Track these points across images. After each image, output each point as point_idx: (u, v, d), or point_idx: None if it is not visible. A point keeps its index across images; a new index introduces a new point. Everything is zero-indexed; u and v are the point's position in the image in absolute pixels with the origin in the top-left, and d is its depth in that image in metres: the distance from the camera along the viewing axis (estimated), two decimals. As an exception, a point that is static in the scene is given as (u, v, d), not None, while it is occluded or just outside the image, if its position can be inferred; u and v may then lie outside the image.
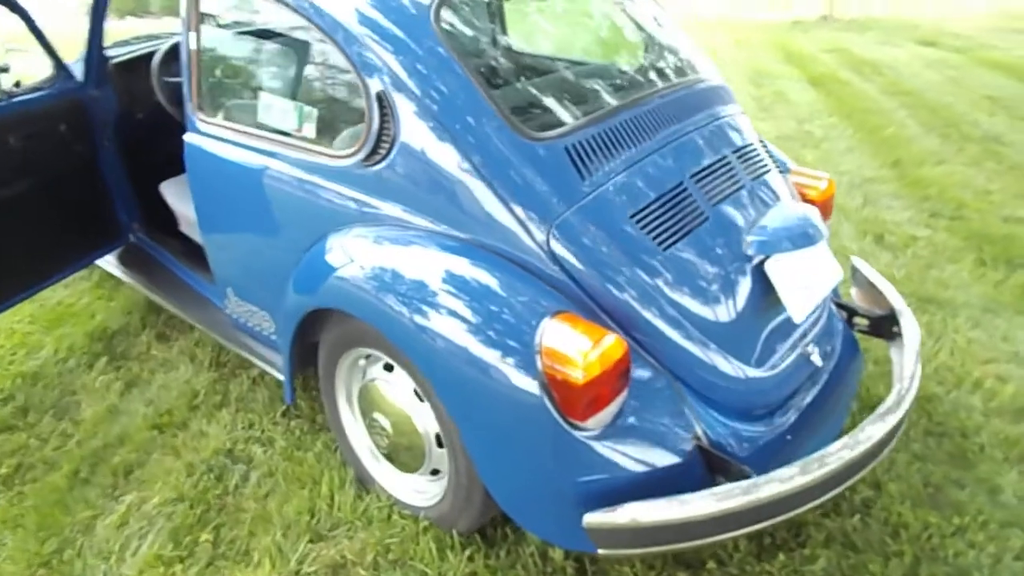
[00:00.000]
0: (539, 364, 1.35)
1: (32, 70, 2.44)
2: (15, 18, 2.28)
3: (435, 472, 1.74)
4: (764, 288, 1.65)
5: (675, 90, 1.87)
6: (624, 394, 1.41)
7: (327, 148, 1.72)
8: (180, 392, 2.37)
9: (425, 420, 1.66)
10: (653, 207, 1.58)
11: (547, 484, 1.44)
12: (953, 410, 2.13)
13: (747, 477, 1.41)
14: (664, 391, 1.51)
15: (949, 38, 8.26)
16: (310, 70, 1.86)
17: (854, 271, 2.12)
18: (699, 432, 1.50)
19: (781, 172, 1.96)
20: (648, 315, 1.51)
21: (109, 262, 2.77)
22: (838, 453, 1.39)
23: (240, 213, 1.99)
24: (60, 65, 2.42)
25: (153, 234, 2.71)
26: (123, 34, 3.02)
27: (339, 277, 1.63)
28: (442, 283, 1.49)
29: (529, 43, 2.45)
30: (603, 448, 1.40)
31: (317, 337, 1.85)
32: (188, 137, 2.03)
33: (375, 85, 1.58)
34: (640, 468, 1.42)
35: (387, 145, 1.59)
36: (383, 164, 1.60)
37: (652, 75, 1.93)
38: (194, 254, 2.45)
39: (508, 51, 2.36)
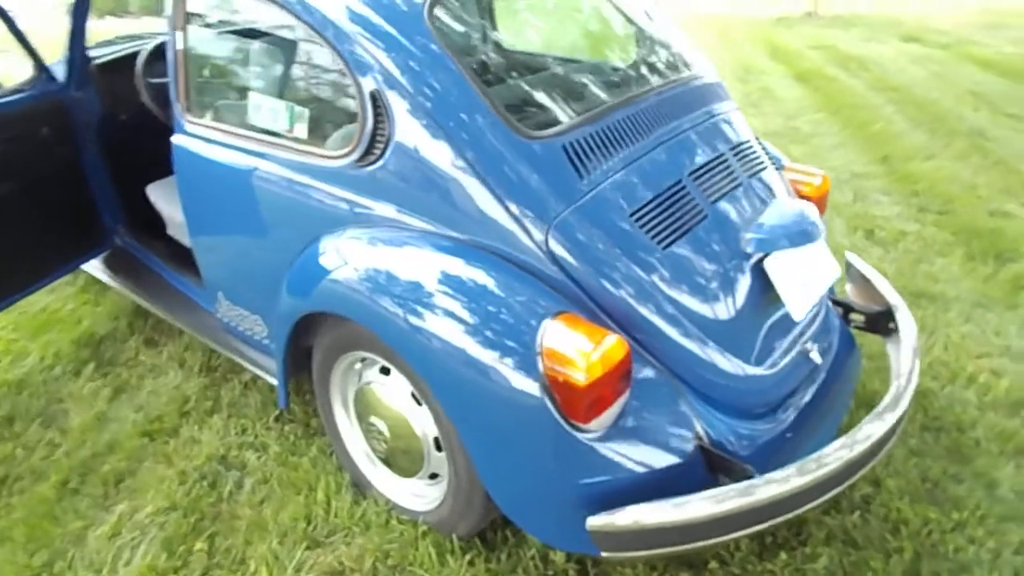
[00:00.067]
0: (540, 366, 1.33)
1: (13, 71, 2.38)
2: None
3: (434, 476, 1.72)
4: (763, 286, 1.64)
5: (671, 87, 1.86)
6: (626, 395, 1.39)
7: (320, 149, 1.69)
8: (170, 398, 2.33)
9: (423, 424, 1.64)
10: (652, 205, 1.57)
11: (549, 487, 1.42)
12: (948, 405, 2.14)
13: (749, 477, 1.40)
14: (665, 391, 1.50)
15: (933, 34, 8.34)
16: (301, 69, 1.83)
17: (849, 267, 2.12)
18: (700, 432, 1.49)
19: (777, 169, 1.96)
20: (648, 314, 1.49)
21: (95, 266, 2.71)
22: (836, 453, 1.39)
23: (231, 216, 1.95)
24: (41, 66, 2.37)
25: (139, 237, 2.66)
26: (102, 35, 2.96)
27: (333, 280, 1.60)
28: (439, 284, 1.47)
29: (523, 40, 2.43)
30: (605, 450, 1.38)
31: (311, 341, 1.82)
32: (176, 139, 1.99)
33: (368, 84, 1.55)
34: (642, 469, 1.41)
35: (382, 145, 1.56)
36: (378, 164, 1.57)
37: (648, 72, 1.92)
38: (181, 257, 2.41)
39: (503, 49, 2.34)
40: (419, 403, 1.63)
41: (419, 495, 1.79)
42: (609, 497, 1.37)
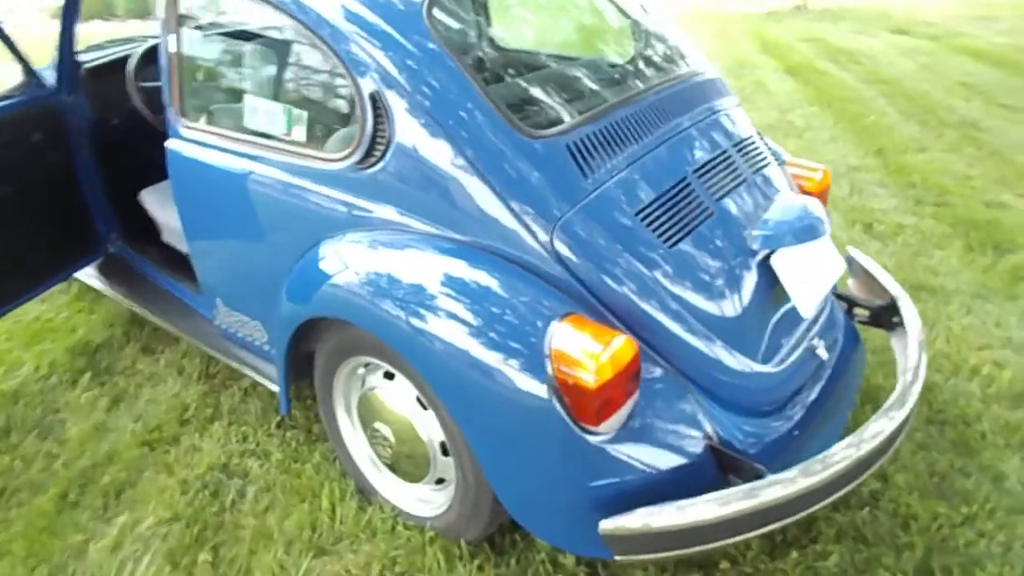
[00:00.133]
0: (548, 368, 1.32)
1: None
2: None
3: (440, 481, 1.70)
4: (769, 282, 1.63)
5: (672, 84, 1.84)
6: (636, 396, 1.38)
7: (318, 151, 1.66)
8: (169, 406, 2.30)
9: (429, 428, 1.62)
10: (657, 204, 1.56)
11: (559, 490, 1.40)
12: (953, 398, 2.14)
13: (760, 475, 1.39)
14: (674, 391, 1.48)
15: (921, 26, 8.38)
16: (298, 71, 1.80)
17: (851, 261, 2.11)
18: (710, 431, 1.47)
19: (779, 164, 1.95)
20: (655, 313, 1.48)
21: (89, 274, 2.67)
22: (844, 452, 1.37)
23: (228, 221, 1.92)
24: (30, 71, 2.33)
25: (133, 244, 2.63)
26: (89, 39, 2.92)
27: (334, 284, 1.58)
28: (442, 286, 1.45)
29: (520, 37, 2.40)
30: (615, 452, 1.37)
31: (312, 346, 1.80)
32: (170, 143, 1.95)
33: (367, 85, 1.53)
34: (653, 471, 1.39)
35: (382, 147, 1.54)
36: (379, 166, 1.55)
37: (648, 69, 1.90)
38: (177, 263, 2.38)
39: (501, 48, 2.31)
40: (424, 408, 1.61)
41: (425, 500, 1.77)
42: (619, 499, 1.35)
